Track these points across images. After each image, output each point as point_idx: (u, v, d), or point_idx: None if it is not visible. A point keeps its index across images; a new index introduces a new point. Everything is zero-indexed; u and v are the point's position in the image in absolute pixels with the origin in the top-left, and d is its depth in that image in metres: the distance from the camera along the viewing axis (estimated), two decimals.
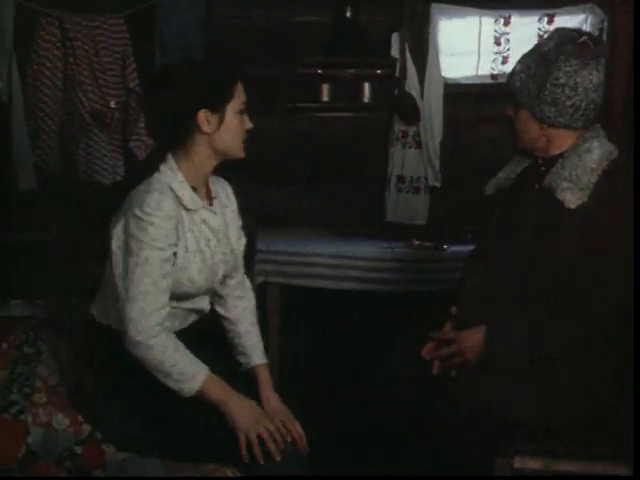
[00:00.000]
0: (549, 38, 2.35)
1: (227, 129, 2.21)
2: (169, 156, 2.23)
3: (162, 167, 2.22)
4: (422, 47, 3.79)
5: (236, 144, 2.25)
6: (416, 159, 3.81)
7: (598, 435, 2.29)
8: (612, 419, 2.35)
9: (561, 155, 2.35)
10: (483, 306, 2.39)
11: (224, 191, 2.38)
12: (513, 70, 2.39)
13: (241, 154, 2.27)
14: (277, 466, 2.13)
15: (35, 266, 3.44)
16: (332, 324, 3.80)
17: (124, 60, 3.58)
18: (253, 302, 2.48)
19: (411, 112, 3.73)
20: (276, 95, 3.67)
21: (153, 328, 2.14)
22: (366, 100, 3.77)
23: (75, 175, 3.55)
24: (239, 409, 2.15)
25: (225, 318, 2.44)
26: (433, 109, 3.77)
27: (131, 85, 3.60)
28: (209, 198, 2.31)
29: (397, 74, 3.72)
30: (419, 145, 3.80)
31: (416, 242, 3.53)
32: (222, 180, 2.39)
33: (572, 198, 2.28)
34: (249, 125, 2.26)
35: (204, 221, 2.27)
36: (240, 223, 2.42)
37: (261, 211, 3.78)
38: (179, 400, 2.15)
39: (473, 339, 2.34)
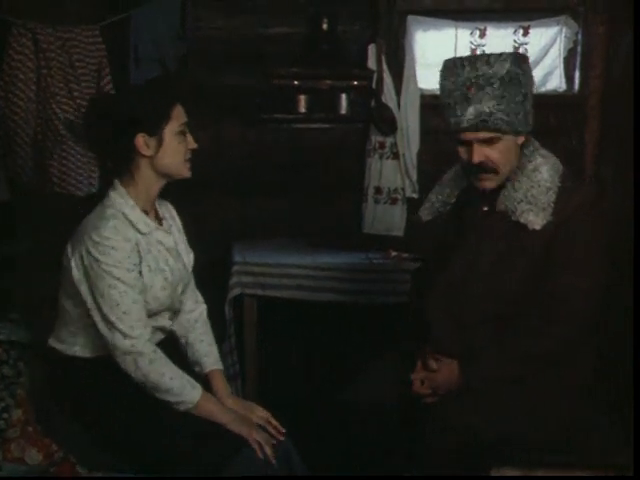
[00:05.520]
0: (492, 64, 2.23)
1: (167, 151, 2.24)
2: (116, 182, 2.27)
3: (111, 194, 2.27)
4: (399, 58, 3.80)
5: (178, 164, 2.27)
6: (393, 170, 3.81)
7: (574, 443, 2.29)
8: (588, 427, 2.35)
9: (507, 177, 2.31)
10: (453, 331, 2.35)
11: (168, 212, 2.44)
12: (487, 112, 2.22)
13: (185, 174, 2.30)
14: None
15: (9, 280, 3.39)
16: (310, 336, 3.79)
17: (99, 72, 3.55)
18: (205, 313, 2.52)
19: (388, 123, 3.74)
20: (252, 106, 3.66)
21: (148, 342, 2.19)
22: (343, 111, 3.77)
23: (49, 187, 3.52)
24: (228, 419, 2.21)
25: (177, 330, 2.45)
26: (410, 120, 3.78)
27: None
28: (158, 219, 2.35)
29: (374, 85, 3.73)
30: (396, 156, 3.79)
31: (393, 253, 3.53)
32: (165, 202, 2.44)
33: (536, 219, 2.25)
34: (192, 145, 2.29)
35: (160, 242, 2.31)
36: (185, 238, 2.46)
37: (238, 223, 3.78)
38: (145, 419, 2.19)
39: (445, 378, 2.33)
